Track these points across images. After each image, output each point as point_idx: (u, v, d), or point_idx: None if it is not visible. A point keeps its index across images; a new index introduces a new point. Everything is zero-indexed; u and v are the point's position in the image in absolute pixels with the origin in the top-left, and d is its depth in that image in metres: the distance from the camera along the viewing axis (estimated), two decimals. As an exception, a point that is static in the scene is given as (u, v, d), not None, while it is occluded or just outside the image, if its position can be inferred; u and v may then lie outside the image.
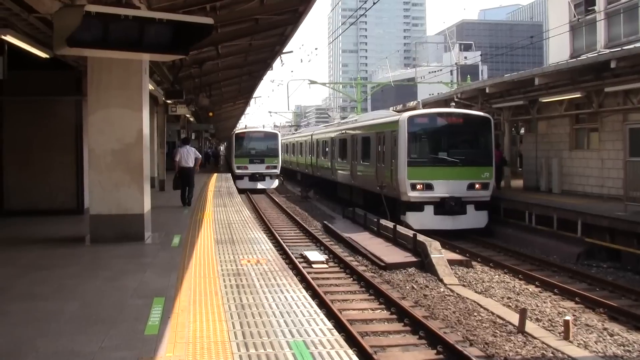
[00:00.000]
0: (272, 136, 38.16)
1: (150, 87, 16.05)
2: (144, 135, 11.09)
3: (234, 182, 31.33)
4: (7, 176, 15.26)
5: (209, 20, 7.96)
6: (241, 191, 29.89)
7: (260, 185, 35.71)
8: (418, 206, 19.29)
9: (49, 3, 8.90)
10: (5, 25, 10.15)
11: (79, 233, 11.88)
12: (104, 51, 7.90)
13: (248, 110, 52.95)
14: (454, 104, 24.47)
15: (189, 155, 17.61)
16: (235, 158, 36.85)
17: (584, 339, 9.39)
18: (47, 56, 11.71)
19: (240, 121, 65.85)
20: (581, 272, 14.23)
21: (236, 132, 40.73)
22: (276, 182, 37.26)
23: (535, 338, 9.36)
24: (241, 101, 43.07)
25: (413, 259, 14.90)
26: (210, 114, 33.06)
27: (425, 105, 26.97)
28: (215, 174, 36.46)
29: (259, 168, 35.82)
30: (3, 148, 15.24)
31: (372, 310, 11.12)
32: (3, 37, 9.99)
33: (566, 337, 9.34)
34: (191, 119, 35.42)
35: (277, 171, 36.80)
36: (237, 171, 36.04)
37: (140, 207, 11.03)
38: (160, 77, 20.61)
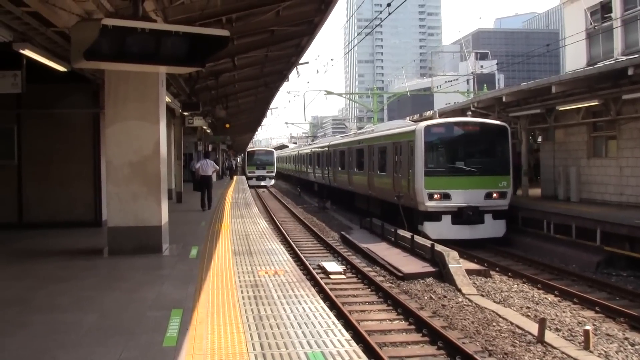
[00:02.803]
0: (270, 152, 60.78)
1: (167, 99, 16.17)
2: (161, 147, 11.14)
3: (247, 181, 49.25)
4: (25, 188, 15.37)
5: (225, 33, 7.97)
6: (251, 187, 44.16)
7: (263, 183, 55.55)
8: (436, 216, 19.22)
9: (67, 17, 9.00)
10: (24, 39, 10.28)
11: (97, 245, 11.95)
12: (121, 64, 7.91)
13: (265, 121, 57.54)
14: (470, 113, 24.38)
15: (207, 166, 21.00)
16: (247, 166, 58.76)
17: (604, 349, 9.28)
18: (65, 69, 11.83)
19: (256, 132, 70.66)
20: (601, 281, 14.09)
21: (248, 150, 65.44)
22: (272, 181, 57.55)
23: (555, 348, 9.27)
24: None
25: (431, 269, 14.83)
26: (227, 125, 33.38)
27: (442, 114, 26.99)
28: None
29: (262, 172, 56.60)
30: (22, 161, 15.36)
31: (390, 320, 11.08)
32: (22, 51, 10.11)
33: (586, 347, 9.23)
34: (208, 131, 35.69)
35: (274, 174, 58.19)
36: (249, 174, 56.77)
37: (158, 219, 11.06)
38: (177, 90, 20.77)
